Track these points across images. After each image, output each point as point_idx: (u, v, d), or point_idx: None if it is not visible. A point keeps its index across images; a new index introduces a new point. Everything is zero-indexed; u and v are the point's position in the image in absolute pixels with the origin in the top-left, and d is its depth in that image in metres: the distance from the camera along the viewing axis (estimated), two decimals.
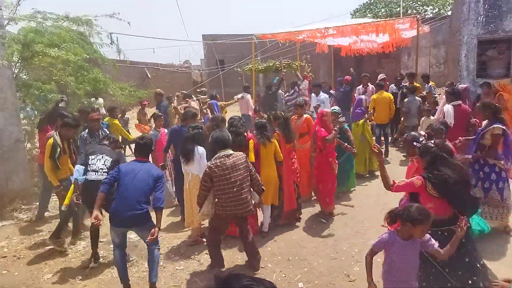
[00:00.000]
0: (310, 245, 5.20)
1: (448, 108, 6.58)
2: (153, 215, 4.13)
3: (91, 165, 4.82)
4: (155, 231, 3.95)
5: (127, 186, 4.03)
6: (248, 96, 11.44)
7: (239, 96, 11.25)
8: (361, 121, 7.91)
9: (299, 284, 4.35)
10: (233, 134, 5.14)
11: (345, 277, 4.35)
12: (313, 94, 10.20)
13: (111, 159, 4.95)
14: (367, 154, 7.81)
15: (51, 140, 5.27)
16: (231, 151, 4.44)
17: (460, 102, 6.76)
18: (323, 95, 9.84)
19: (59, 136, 5.34)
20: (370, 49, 12.59)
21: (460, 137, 5.44)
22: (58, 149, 5.24)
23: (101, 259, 4.99)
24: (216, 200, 4.38)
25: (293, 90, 11.29)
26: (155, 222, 4.08)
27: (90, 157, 4.89)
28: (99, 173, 4.76)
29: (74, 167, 5.18)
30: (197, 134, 5.27)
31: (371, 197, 6.81)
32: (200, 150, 5.17)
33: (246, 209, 4.43)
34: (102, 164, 4.83)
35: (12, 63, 7.52)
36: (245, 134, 5.55)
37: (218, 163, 4.30)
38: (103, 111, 10.96)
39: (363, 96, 7.84)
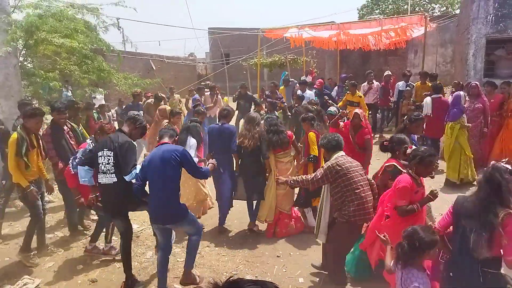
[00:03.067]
0: (311, 241, 5.18)
1: (427, 100, 7.68)
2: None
3: (100, 165, 4.05)
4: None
5: (154, 181, 3.87)
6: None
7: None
8: (457, 124, 6.86)
9: (299, 279, 4.33)
10: (274, 133, 5.22)
11: (347, 273, 4.32)
12: (299, 91, 10.18)
13: (111, 151, 4.00)
14: (461, 161, 6.91)
15: (14, 135, 4.54)
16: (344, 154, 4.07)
17: (440, 95, 7.78)
18: (308, 92, 9.92)
19: (25, 129, 4.58)
20: (378, 42, 12.38)
21: None
22: (25, 144, 4.51)
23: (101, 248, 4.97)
24: (344, 207, 3.85)
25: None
26: None
27: (97, 154, 4.11)
28: (107, 174, 4.02)
29: (47, 166, 4.88)
30: (192, 126, 5.58)
31: None
32: (192, 141, 5.41)
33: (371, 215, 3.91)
34: (107, 163, 4.00)
35: (17, 51, 7.51)
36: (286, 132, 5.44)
37: (345, 161, 3.91)
38: (102, 101, 10.99)
39: (461, 92, 6.91)
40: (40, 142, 4.85)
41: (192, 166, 3.97)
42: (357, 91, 9.81)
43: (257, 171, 5.33)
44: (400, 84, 10.43)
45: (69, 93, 9.90)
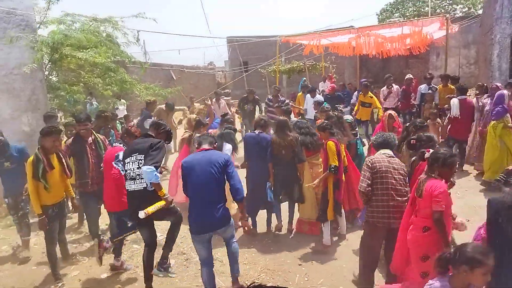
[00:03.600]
0: (334, 250, 5.11)
1: (454, 101, 7.60)
2: None
3: (128, 171, 4.02)
4: (245, 224, 4.10)
5: (195, 187, 3.78)
6: (222, 101, 11.34)
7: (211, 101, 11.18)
8: (500, 123, 6.69)
9: None
10: (306, 134, 5.30)
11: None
12: (308, 95, 10.20)
13: (143, 154, 3.97)
14: (505, 162, 6.58)
15: (31, 158, 4.37)
16: (391, 152, 4.02)
17: (466, 96, 7.70)
18: (318, 97, 10.02)
19: (42, 149, 4.39)
20: (396, 50, 12.23)
21: None
22: (41, 166, 4.29)
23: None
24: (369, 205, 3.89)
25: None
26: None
27: (125, 161, 4.10)
28: (137, 180, 3.95)
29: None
30: (226, 133, 5.71)
31: None
32: (228, 146, 5.53)
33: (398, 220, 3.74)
34: (137, 168, 3.94)
35: (43, 65, 7.78)
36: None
37: (381, 159, 3.89)
38: (124, 112, 11.22)
39: (505, 91, 6.77)
40: (63, 160, 4.62)
41: (234, 173, 3.87)
42: (369, 92, 10.01)
43: (295, 177, 5.38)
44: (422, 87, 10.24)
45: (94, 105, 10.18)
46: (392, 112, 6.29)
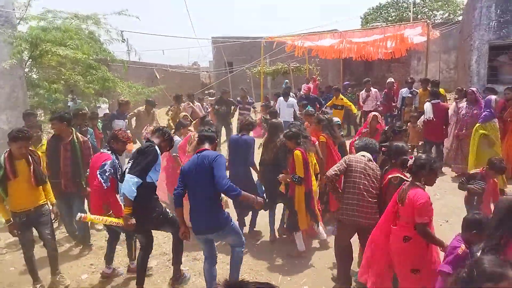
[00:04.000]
0: (316, 250, 5.15)
1: (427, 105, 7.95)
2: None
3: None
4: (258, 203, 3.86)
5: (192, 188, 3.74)
6: (197, 104, 11.05)
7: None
8: (486, 126, 6.71)
9: (304, 287, 4.31)
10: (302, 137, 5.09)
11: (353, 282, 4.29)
12: (280, 98, 10.43)
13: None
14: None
15: None
16: (370, 156, 4.07)
17: (439, 100, 8.00)
18: (291, 100, 10.29)
19: (8, 154, 3.99)
20: (378, 54, 12.45)
21: None
22: (1, 172, 3.91)
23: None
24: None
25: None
26: None
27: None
28: None
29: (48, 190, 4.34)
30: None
31: None
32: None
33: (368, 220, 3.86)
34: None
35: (23, 62, 7.61)
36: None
37: (355, 159, 4.00)
38: (106, 111, 11.02)
39: (493, 96, 6.94)
40: (32, 166, 4.10)
41: (220, 173, 3.63)
42: (340, 94, 10.94)
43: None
44: (404, 91, 10.44)
45: (77, 103, 9.98)
46: (377, 114, 6.36)
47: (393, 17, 23.95)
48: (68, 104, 11.89)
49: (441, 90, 10.05)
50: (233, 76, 19.91)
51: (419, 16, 22.48)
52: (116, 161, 4.27)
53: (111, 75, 8.81)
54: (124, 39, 9.27)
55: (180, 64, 25.26)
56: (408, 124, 8.77)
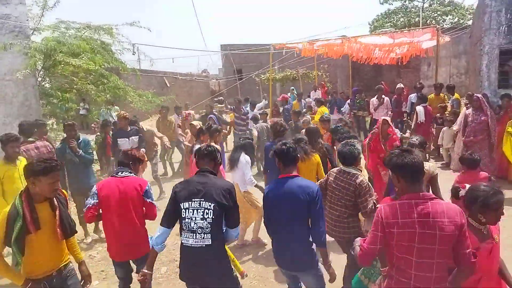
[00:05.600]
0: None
1: (420, 108, 8.52)
2: None
3: (185, 219, 2.93)
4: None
5: (278, 219, 3.21)
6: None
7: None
8: None
9: None
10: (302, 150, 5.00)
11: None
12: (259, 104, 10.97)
13: (213, 203, 2.89)
14: None
15: (6, 209, 2.81)
16: (352, 171, 3.75)
17: (426, 104, 8.70)
18: (259, 105, 10.83)
19: (26, 196, 2.79)
20: (386, 59, 12.41)
21: None
22: (19, 224, 2.70)
23: None
24: None
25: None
26: None
27: (182, 204, 2.95)
28: (198, 235, 2.89)
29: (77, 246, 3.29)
30: (247, 143, 5.45)
31: None
32: (246, 158, 5.25)
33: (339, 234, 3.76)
34: (201, 219, 2.89)
35: (36, 72, 7.78)
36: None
37: (335, 171, 3.89)
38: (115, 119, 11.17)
39: None
40: (59, 212, 2.91)
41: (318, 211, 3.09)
42: (322, 106, 10.86)
43: None
44: (413, 96, 10.38)
45: (86, 112, 10.13)
46: (387, 118, 6.18)
47: (402, 23, 23.90)
48: (80, 113, 12.09)
49: (456, 95, 10.03)
50: (242, 83, 20.04)
51: (428, 22, 22.41)
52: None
53: (122, 84, 8.94)
54: (135, 52, 9.41)
55: (190, 72, 25.48)
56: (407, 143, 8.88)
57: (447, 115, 9.02)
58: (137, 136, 6.93)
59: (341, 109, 11.78)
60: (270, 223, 3.27)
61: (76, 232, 3.14)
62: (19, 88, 7.27)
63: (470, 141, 7.18)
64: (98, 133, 8.17)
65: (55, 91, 7.87)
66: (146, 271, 2.97)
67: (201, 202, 2.90)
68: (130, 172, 3.64)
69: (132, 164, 3.74)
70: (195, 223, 2.88)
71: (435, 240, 2.17)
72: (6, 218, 2.73)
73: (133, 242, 3.50)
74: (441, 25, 20.21)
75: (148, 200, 3.53)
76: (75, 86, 8.38)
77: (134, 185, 3.52)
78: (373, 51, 12.05)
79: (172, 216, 2.98)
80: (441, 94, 9.86)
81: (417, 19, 22.10)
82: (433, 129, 9.06)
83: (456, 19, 23.53)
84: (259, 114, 10.01)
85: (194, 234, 2.88)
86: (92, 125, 7.55)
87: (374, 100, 10.83)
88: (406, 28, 17.61)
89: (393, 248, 2.30)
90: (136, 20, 9.02)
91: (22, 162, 4.74)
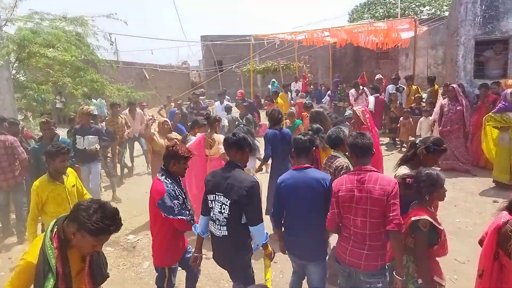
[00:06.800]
0: None
1: (371, 98, 9.45)
2: None
3: (211, 209, 3.14)
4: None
5: (296, 209, 3.25)
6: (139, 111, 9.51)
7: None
8: (493, 118, 6.55)
9: None
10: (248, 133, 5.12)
11: None
12: (217, 102, 10.90)
13: (230, 200, 2.98)
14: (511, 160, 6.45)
15: (29, 258, 2.12)
16: (337, 154, 3.78)
17: (378, 94, 9.68)
18: (226, 103, 10.60)
19: (58, 235, 2.12)
20: (370, 42, 12.48)
21: None
22: (51, 283, 2.04)
23: None
24: None
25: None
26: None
27: (208, 196, 3.15)
28: (217, 225, 3.10)
29: None
30: (247, 130, 5.61)
31: None
32: (257, 144, 5.62)
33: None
34: (219, 212, 3.06)
35: (10, 64, 7.53)
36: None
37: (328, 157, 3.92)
38: (104, 111, 10.97)
39: (509, 90, 6.64)
40: (90, 257, 2.30)
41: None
42: (278, 97, 11.75)
43: None
44: (390, 88, 10.54)
45: (62, 105, 9.89)
46: (356, 108, 5.73)
47: (381, 14, 24.12)
48: (57, 106, 11.78)
49: (436, 86, 10.26)
50: (223, 75, 19.90)
51: (406, 12, 22.68)
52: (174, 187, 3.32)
53: (100, 77, 8.73)
54: (112, 42, 9.19)
55: (170, 63, 25.15)
56: (401, 118, 9.05)
57: (423, 105, 9.23)
58: (95, 137, 6.33)
59: (322, 100, 11.88)
60: (283, 213, 3.29)
61: (108, 276, 2.46)
62: None
63: (446, 131, 7.38)
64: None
65: (31, 84, 7.64)
66: (196, 254, 3.36)
67: (221, 196, 3.05)
68: (162, 175, 3.34)
69: (173, 163, 3.35)
70: (214, 214, 3.12)
71: (367, 201, 2.73)
72: (34, 273, 2.04)
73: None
74: (419, 16, 20.47)
75: (163, 214, 3.18)
76: (51, 79, 8.16)
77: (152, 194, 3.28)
78: (357, 35, 12.17)
79: (205, 204, 3.20)
80: (413, 86, 10.13)
81: (396, 10, 22.34)
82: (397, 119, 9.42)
83: (433, 10, 23.88)
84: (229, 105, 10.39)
85: (214, 224, 3.13)
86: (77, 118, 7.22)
87: (353, 91, 10.94)
88: (385, 19, 17.76)
89: (340, 209, 2.87)
90: (112, 12, 8.81)
91: (69, 177, 3.97)
